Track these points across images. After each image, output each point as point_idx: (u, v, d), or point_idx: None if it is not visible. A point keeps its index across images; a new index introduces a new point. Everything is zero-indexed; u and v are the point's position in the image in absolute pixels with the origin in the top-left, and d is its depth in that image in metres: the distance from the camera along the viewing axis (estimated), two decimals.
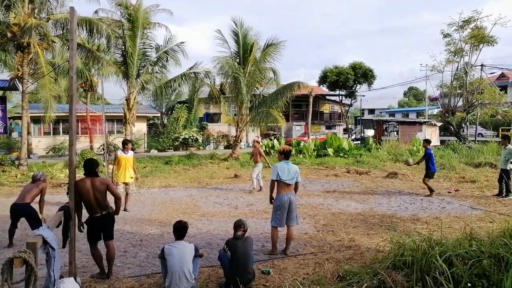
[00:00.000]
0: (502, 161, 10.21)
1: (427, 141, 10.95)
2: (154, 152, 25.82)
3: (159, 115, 36.73)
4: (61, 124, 24.55)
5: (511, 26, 53.34)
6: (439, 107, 30.87)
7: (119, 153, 8.55)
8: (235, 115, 22.02)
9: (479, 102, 23.64)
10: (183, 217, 7.86)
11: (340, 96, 41.11)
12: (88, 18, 16.16)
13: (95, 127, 24.90)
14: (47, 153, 23.22)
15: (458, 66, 24.96)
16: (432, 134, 26.45)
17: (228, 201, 9.89)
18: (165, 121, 35.91)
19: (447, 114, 25.28)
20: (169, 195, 10.69)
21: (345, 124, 41.51)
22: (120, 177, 8.40)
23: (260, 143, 22.86)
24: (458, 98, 25.41)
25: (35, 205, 6.34)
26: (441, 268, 3.74)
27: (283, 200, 5.64)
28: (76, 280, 4.30)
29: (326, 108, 43.85)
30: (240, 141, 21.39)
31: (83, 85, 26.04)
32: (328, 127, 40.57)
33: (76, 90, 4.64)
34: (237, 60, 19.67)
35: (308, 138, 25.69)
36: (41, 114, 17.52)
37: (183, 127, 29.99)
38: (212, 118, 39.06)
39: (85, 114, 23.89)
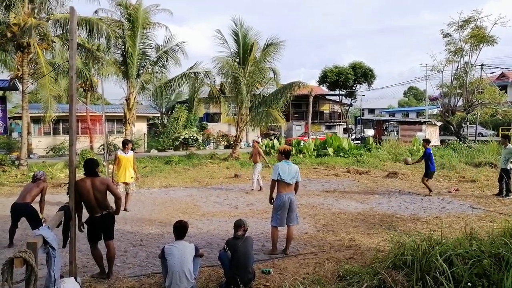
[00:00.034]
0: (502, 160, 10.22)
1: (426, 141, 11.01)
2: (154, 152, 25.83)
3: (159, 115, 36.73)
4: (61, 124, 24.55)
5: (511, 26, 53.38)
6: (439, 107, 30.87)
7: (119, 153, 8.56)
8: (235, 115, 22.02)
9: (479, 101, 23.63)
10: (183, 217, 7.86)
11: (340, 96, 41.09)
12: (88, 18, 16.17)
13: (95, 127, 24.91)
14: (47, 153, 23.23)
15: (458, 66, 24.98)
16: (432, 133, 26.47)
17: (228, 201, 9.89)
18: (165, 121, 35.91)
19: (447, 114, 25.27)
20: (169, 195, 10.69)
21: (345, 124, 41.49)
22: (120, 177, 8.41)
23: (260, 142, 22.92)
24: (458, 97, 25.41)
25: (36, 205, 6.34)
26: (442, 268, 3.74)
27: (284, 200, 5.65)
28: (76, 280, 4.30)
29: (326, 108, 43.85)
30: (240, 141, 21.40)
31: (83, 85, 26.04)
32: (328, 127, 40.58)
33: (76, 90, 4.64)
34: (237, 60, 19.67)
35: (308, 138, 25.69)
36: (41, 114, 17.52)
37: (183, 127, 29.99)
38: (212, 118, 39.07)
39: (85, 114, 23.89)
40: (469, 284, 3.59)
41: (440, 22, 62.30)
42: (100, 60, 17.89)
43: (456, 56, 24.43)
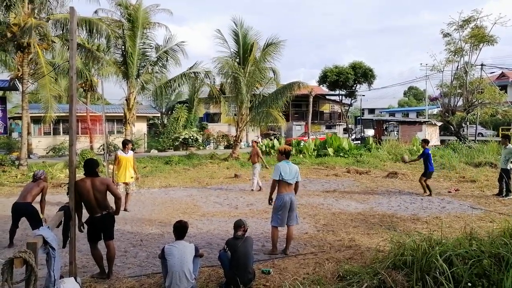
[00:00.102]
0: (502, 160, 10.22)
1: (425, 141, 11.08)
2: (154, 152, 25.83)
3: (159, 115, 36.74)
4: (61, 124, 24.55)
5: (511, 26, 53.37)
6: (439, 107, 30.87)
7: (119, 153, 8.56)
8: (235, 115, 22.02)
9: (479, 101, 23.64)
10: (183, 217, 7.86)
11: (340, 96, 41.09)
12: (88, 18, 16.17)
13: (95, 127, 24.90)
14: (47, 153, 23.23)
15: (458, 66, 24.99)
16: (432, 133, 26.46)
17: (228, 201, 9.89)
18: (165, 121, 35.92)
19: (447, 114, 25.28)
20: (169, 195, 10.69)
21: (345, 124, 41.50)
22: (120, 177, 8.41)
23: (260, 143, 22.94)
24: (458, 97, 25.41)
25: (36, 205, 6.34)
26: (441, 268, 3.74)
27: (285, 200, 5.65)
28: (76, 280, 4.30)
29: (326, 108, 43.85)
30: (240, 141, 21.40)
31: (83, 85, 26.05)
32: (328, 127, 40.58)
33: (76, 90, 4.64)
34: (237, 60, 19.67)
35: (308, 138, 25.69)
36: (41, 114, 17.53)
37: (183, 127, 30.00)
38: (212, 118, 39.07)
39: (85, 114, 23.89)
40: (469, 284, 3.59)
41: (440, 22, 62.52)
42: (100, 60, 17.89)
43: (456, 56, 24.45)
